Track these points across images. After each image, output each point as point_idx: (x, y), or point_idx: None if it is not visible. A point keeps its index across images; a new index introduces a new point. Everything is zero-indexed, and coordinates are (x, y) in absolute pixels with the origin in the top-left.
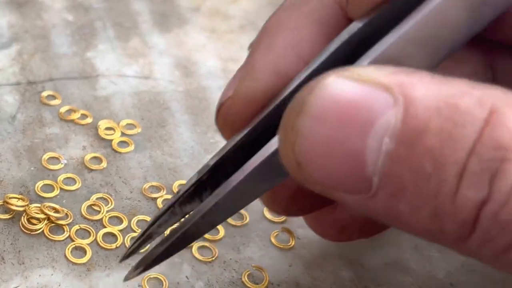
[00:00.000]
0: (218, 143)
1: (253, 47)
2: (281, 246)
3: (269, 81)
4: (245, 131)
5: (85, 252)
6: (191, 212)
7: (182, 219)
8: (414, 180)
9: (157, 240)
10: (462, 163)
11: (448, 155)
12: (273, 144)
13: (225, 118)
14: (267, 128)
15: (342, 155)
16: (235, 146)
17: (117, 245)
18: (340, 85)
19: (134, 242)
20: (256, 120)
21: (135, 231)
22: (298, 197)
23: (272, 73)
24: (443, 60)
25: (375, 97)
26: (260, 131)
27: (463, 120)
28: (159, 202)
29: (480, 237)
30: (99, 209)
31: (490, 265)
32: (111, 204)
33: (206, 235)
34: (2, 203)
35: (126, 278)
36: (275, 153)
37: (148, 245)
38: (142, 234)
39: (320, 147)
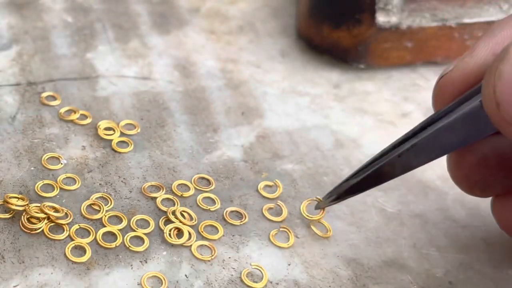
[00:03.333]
0: (217, 143)
1: (478, 39)
2: (280, 245)
3: (487, 59)
4: (455, 101)
5: (84, 251)
6: (389, 153)
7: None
8: None
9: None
10: None
11: None
12: (477, 97)
13: (442, 87)
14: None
15: None
16: (444, 111)
17: (117, 244)
18: None
19: (336, 187)
20: (466, 92)
21: (134, 230)
22: (482, 166)
23: (490, 54)
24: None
25: None
26: (466, 100)
27: None
28: (159, 201)
29: None
30: (98, 209)
31: None
32: (111, 203)
33: (205, 234)
34: (2, 202)
35: (317, 207)
36: (478, 106)
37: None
38: (344, 181)
39: None
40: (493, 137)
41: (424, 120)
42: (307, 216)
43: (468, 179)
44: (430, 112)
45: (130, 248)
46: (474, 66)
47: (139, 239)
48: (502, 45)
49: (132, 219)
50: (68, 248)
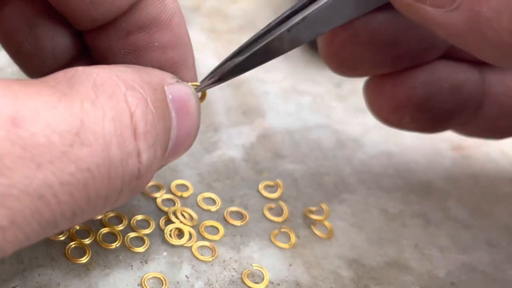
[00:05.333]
0: (218, 143)
1: None
2: (281, 246)
3: None
4: None
5: (84, 251)
6: (277, 28)
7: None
8: None
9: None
10: None
11: None
12: None
13: None
14: None
15: None
16: None
17: (117, 245)
18: None
19: (216, 68)
20: None
21: (134, 231)
22: (352, 42)
23: None
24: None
25: None
26: None
27: None
28: (159, 201)
29: None
30: None
31: None
32: None
33: (206, 234)
34: None
35: (198, 90)
36: None
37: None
38: (225, 60)
39: None
40: (366, 15)
41: None
42: (310, 215)
43: (338, 56)
44: None
45: (130, 248)
46: None
47: (139, 240)
48: None
49: (132, 219)
50: (68, 248)
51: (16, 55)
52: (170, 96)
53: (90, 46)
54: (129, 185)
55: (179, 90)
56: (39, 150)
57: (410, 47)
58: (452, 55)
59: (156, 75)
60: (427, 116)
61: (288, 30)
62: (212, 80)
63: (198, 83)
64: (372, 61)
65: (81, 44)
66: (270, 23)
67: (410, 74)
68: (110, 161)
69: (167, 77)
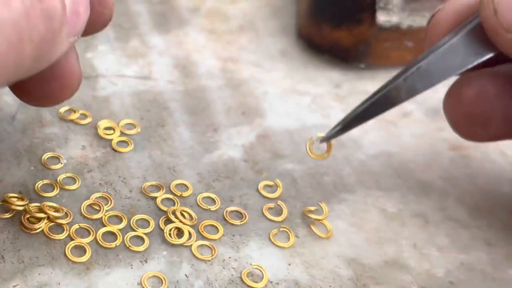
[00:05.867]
0: (217, 143)
1: None
2: (281, 245)
3: None
4: (457, 28)
5: (84, 251)
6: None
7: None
8: None
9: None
10: None
11: None
12: (476, 20)
13: (435, 24)
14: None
15: None
16: (445, 43)
17: (117, 244)
18: None
19: (357, 106)
20: (460, 27)
21: (134, 230)
22: (481, 98)
23: None
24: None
25: None
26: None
27: None
28: (159, 201)
29: None
30: (98, 208)
31: None
32: (111, 203)
33: (206, 234)
34: (2, 202)
35: (323, 140)
36: (477, 24)
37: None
38: (367, 100)
39: None
40: (490, 69)
41: (433, 46)
42: (310, 215)
43: (468, 116)
44: (431, 111)
45: (130, 248)
46: (463, 3)
47: (139, 239)
48: None
49: (132, 218)
50: (68, 248)
51: None
52: None
53: None
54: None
55: None
56: None
57: None
58: None
59: None
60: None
61: (404, 79)
62: (336, 129)
63: (323, 134)
64: (504, 114)
65: None
66: (393, 76)
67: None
68: None
69: None
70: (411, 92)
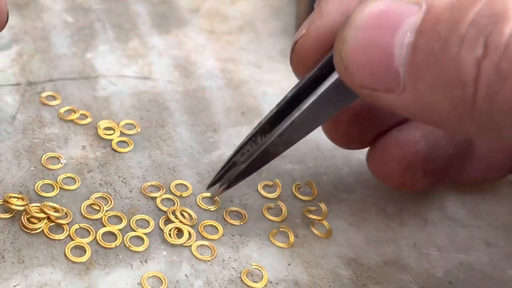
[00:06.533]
0: (217, 143)
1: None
2: (280, 245)
3: (336, 19)
4: (317, 67)
5: (84, 251)
6: (270, 133)
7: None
8: (427, 61)
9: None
10: (462, 35)
11: (452, 32)
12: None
13: (298, 53)
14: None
15: (377, 51)
16: (309, 79)
17: (117, 244)
18: (377, 3)
19: (220, 170)
20: (326, 57)
21: (134, 230)
22: (356, 120)
23: (338, 13)
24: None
25: (403, 6)
26: (330, 67)
27: (466, 6)
28: (158, 201)
29: (485, 94)
30: (98, 209)
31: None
32: (111, 203)
33: (205, 234)
34: (2, 202)
35: (213, 196)
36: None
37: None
38: (227, 162)
39: (360, 49)
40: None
41: (293, 88)
42: (309, 215)
43: (346, 135)
44: None
45: (130, 248)
46: (325, 28)
47: (139, 239)
48: (347, 2)
49: (132, 219)
50: (68, 248)
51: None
52: None
53: None
54: None
55: None
56: None
57: None
58: None
59: None
60: (435, 166)
61: (279, 136)
62: (223, 188)
63: (209, 194)
64: (373, 132)
65: None
66: (261, 120)
67: (408, 131)
68: None
69: None
70: (288, 145)
